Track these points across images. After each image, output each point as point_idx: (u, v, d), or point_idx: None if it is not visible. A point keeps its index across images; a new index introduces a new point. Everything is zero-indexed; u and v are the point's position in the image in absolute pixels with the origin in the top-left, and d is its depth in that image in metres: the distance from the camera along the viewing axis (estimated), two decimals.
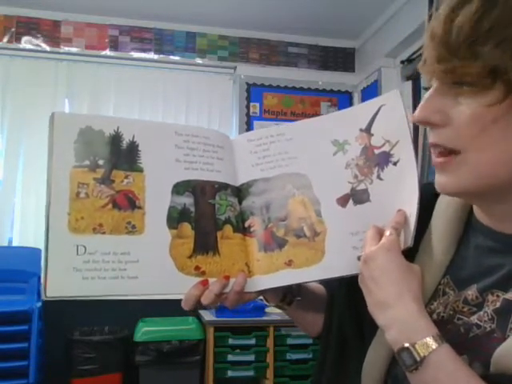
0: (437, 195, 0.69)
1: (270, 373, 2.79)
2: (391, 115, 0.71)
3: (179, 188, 0.72)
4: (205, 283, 0.69)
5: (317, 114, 3.58)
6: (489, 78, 0.51)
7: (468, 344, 0.56)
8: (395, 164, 0.70)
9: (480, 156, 0.54)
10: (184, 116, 3.40)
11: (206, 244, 0.71)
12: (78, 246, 0.65)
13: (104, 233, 0.67)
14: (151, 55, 3.42)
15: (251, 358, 2.81)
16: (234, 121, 3.51)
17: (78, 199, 0.67)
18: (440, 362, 0.52)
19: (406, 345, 0.54)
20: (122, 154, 0.70)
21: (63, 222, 0.65)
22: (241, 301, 0.72)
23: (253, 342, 2.82)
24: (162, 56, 3.43)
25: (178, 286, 0.69)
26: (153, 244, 0.69)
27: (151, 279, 0.68)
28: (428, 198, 0.67)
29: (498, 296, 0.57)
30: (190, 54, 3.48)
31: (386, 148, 0.71)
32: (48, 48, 3.27)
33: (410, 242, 0.65)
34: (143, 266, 0.67)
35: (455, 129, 0.55)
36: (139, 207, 0.69)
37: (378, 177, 0.71)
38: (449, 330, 0.59)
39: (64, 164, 0.67)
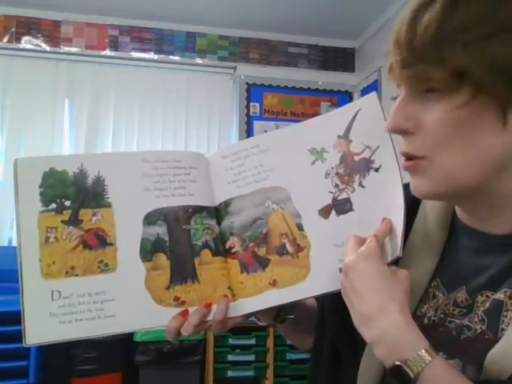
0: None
1: (269, 373, 2.79)
2: (369, 120, 0.68)
3: (151, 218, 0.70)
4: (184, 314, 0.67)
5: (317, 114, 3.54)
6: (455, 81, 0.51)
7: (460, 346, 0.55)
8: (377, 170, 0.68)
9: (447, 160, 0.54)
10: (184, 116, 3.40)
11: (183, 272, 0.69)
12: (52, 292, 0.65)
13: (77, 275, 0.66)
14: (151, 55, 3.42)
15: (251, 358, 2.80)
16: (234, 121, 3.50)
17: (47, 244, 0.66)
18: (435, 376, 0.50)
19: (398, 363, 0.51)
20: (88, 192, 0.69)
21: (35, 268, 0.66)
22: (226, 327, 0.69)
23: (253, 341, 2.82)
24: (162, 56, 3.43)
25: (158, 320, 0.67)
26: (127, 280, 0.67)
27: (129, 316, 0.67)
28: (411, 199, 0.65)
29: (487, 297, 0.56)
30: (189, 54, 3.48)
31: (366, 154, 0.69)
32: (48, 48, 3.28)
33: (398, 252, 0.63)
34: (119, 303, 0.66)
35: (424, 135, 0.55)
36: (110, 244, 0.68)
37: (360, 184, 0.68)
38: (441, 334, 0.58)
39: (31, 210, 0.67)
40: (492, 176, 0.54)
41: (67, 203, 0.68)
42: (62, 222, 0.68)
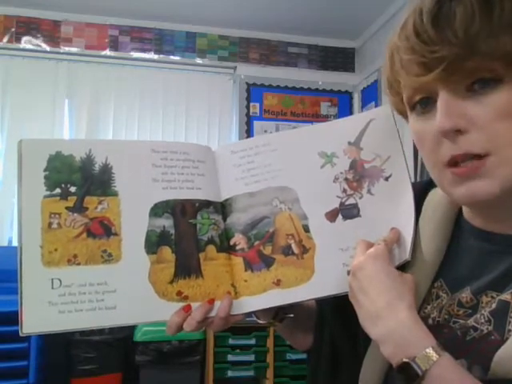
0: (424, 196, 0.69)
1: (270, 373, 2.79)
2: (382, 130, 0.69)
3: (157, 209, 0.68)
4: (187, 309, 0.66)
5: (317, 114, 3.58)
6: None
7: (465, 347, 0.55)
8: (387, 179, 0.69)
9: None
10: (184, 116, 3.40)
11: (187, 267, 0.68)
12: (52, 280, 0.63)
13: (79, 264, 0.65)
14: (151, 55, 3.42)
15: (251, 358, 2.80)
16: (234, 121, 3.50)
17: (50, 230, 0.64)
18: (443, 374, 0.51)
19: (406, 360, 0.52)
20: (95, 179, 0.67)
21: (36, 255, 0.64)
22: (228, 324, 0.68)
23: (253, 341, 2.81)
24: (161, 56, 3.43)
25: (160, 313, 0.66)
26: (130, 272, 0.66)
27: (130, 308, 0.65)
28: (415, 198, 0.67)
29: (492, 297, 0.56)
30: (189, 54, 3.48)
31: (377, 163, 0.70)
32: (48, 48, 3.27)
33: (407, 255, 0.64)
34: (121, 295, 0.65)
35: (481, 130, 0.52)
36: (115, 234, 0.66)
37: (369, 191, 0.70)
38: (445, 334, 0.58)
39: (34, 194, 0.65)
40: None
41: (72, 189, 0.66)
42: (67, 208, 0.66)
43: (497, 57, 0.50)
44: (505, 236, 0.58)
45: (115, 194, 0.68)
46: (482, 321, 0.55)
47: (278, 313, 0.75)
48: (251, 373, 2.80)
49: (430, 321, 0.61)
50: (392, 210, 0.68)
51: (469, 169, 0.53)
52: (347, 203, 0.70)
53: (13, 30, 3.24)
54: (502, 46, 0.50)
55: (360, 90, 3.58)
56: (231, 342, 2.80)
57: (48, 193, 0.66)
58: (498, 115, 0.51)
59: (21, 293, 0.62)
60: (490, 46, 0.49)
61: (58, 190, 0.66)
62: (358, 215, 0.70)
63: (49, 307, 0.63)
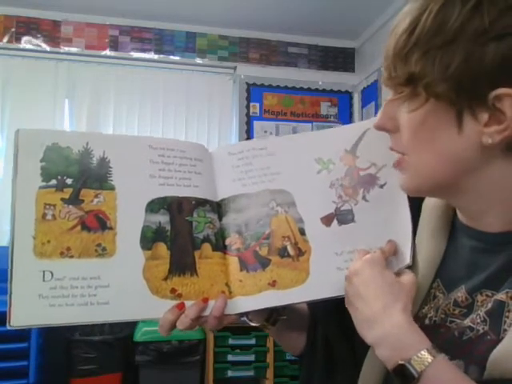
0: (422, 198, 0.70)
1: (270, 373, 2.79)
2: (377, 139, 0.69)
3: (154, 205, 0.68)
4: (181, 307, 0.65)
5: (317, 114, 3.58)
6: (411, 85, 0.54)
7: (462, 347, 0.56)
8: (382, 187, 0.71)
9: (418, 158, 0.57)
10: (184, 116, 3.40)
11: (182, 264, 0.67)
12: (44, 272, 0.62)
13: (72, 257, 0.63)
14: (151, 55, 3.42)
15: (251, 358, 2.80)
16: (234, 121, 3.50)
17: (44, 221, 0.63)
18: (438, 375, 0.51)
19: (401, 362, 0.53)
20: (92, 172, 0.66)
21: (28, 246, 0.62)
22: (221, 324, 0.68)
23: (253, 341, 2.81)
24: (161, 56, 3.43)
25: (153, 311, 0.65)
26: (124, 267, 0.65)
27: (123, 304, 0.64)
28: (414, 201, 0.68)
29: (487, 296, 0.57)
30: (189, 54, 3.48)
31: (372, 171, 0.71)
32: (48, 48, 3.27)
33: (408, 260, 0.65)
34: (114, 290, 0.64)
35: (400, 134, 0.58)
36: (110, 228, 0.66)
37: (364, 198, 0.71)
38: (442, 334, 0.58)
39: (29, 185, 0.64)
40: (464, 175, 0.56)
41: (69, 181, 0.66)
42: (62, 199, 0.65)
43: (402, 73, 0.55)
44: (493, 234, 0.59)
45: (112, 188, 0.67)
46: (478, 321, 0.56)
47: (272, 315, 0.75)
48: (251, 373, 2.80)
49: (427, 321, 0.61)
50: (387, 217, 0.69)
51: (395, 163, 0.61)
52: (342, 209, 0.71)
53: (13, 30, 3.24)
54: (411, 65, 0.54)
55: (360, 90, 3.58)
56: (231, 341, 2.80)
57: (44, 184, 0.65)
58: (406, 125, 0.57)
59: (10, 284, 0.61)
60: (401, 69, 0.55)
61: (53, 182, 0.65)
62: (352, 221, 0.71)
63: (39, 300, 0.61)
